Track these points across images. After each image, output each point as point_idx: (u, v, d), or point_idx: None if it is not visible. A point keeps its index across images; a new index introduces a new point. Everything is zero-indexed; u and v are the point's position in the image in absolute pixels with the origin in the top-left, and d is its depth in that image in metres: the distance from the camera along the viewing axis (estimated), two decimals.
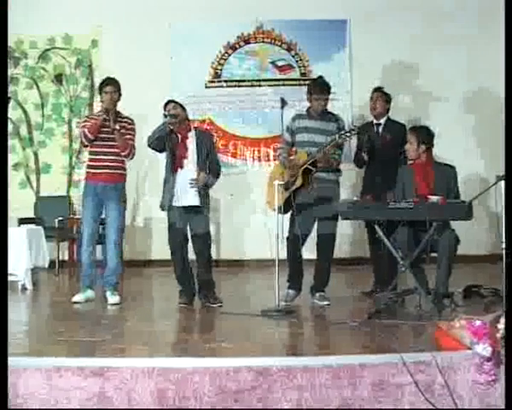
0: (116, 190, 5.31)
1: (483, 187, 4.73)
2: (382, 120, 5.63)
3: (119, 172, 5.32)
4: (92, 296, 5.35)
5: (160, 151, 5.10)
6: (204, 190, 5.06)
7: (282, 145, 5.35)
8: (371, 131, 5.58)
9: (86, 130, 5.18)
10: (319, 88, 5.17)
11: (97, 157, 5.27)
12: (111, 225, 5.30)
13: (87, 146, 5.30)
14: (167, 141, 5.02)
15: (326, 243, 5.14)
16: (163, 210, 5.12)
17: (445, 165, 4.95)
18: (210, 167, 5.11)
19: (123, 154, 5.25)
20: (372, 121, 5.70)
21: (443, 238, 4.58)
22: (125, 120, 5.31)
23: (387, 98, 5.67)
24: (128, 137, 5.27)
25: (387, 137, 5.52)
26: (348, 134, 4.88)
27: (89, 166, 5.36)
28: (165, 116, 5.01)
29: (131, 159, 5.37)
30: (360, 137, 5.55)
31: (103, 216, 5.41)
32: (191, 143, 5.08)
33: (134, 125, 5.35)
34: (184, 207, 5.02)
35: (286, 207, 4.93)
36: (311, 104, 5.19)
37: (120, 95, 5.32)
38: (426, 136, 4.86)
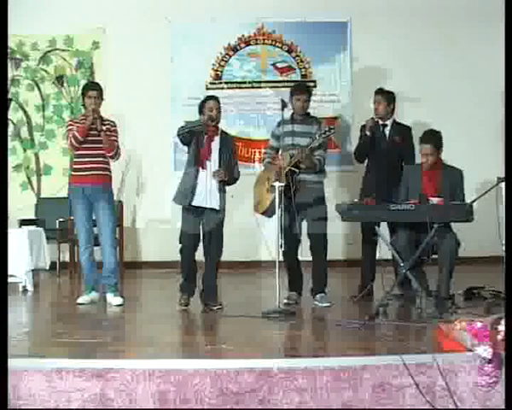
0: (105, 191, 5.32)
1: (482, 188, 4.73)
2: (388, 122, 5.53)
3: (105, 173, 5.34)
4: (96, 298, 5.37)
5: (185, 144, 5.05)
6: (223, 193, 5.05)
7: (267, 150, 5.44)
8: (376, 131, 5.48)
9: (76, 132, 5.19)
10: (299, 89, 5.28)
11: (84, 160, 5.27)
12: (105, 225, 5.29)
13: (77, 148, 5.26)
14: (195, 138, 4.98)
15: (318, 244, 5.13)
16: (175, 202, 5.09)
17: (452, 167, 4.96)
18: (229, 171, 5.06)
19: (109, 154, 5.28)
20: (377, 120, 5.55)
21: (444, 242, 4.58)
22: (108, 122, 5.33)
23: (390, 98, 5.54)
24: (113, 138, 5.30)
25: (396, 139, 5.43)
26: (324, 134, 4.89)
27: (75, 170, 5.35)
28: (204, 114, 5.00)
29: (117, 159, 5.40)
30: (362, 132, 5.52)
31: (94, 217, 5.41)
32: (216, 145, 5.06)
33: (117, 127, 5.39)
34: (201, 207, 5.00)
35: (272, 210, 5.01)
36: (294, 107, 5.22)
37: (102, 99, 5.34)
38: (441, 140, 4.88)
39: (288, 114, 5.20)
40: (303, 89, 5.32)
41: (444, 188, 4.76)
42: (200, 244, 5.10)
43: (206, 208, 5.01)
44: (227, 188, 5.13)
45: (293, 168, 4.99)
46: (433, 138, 4.86)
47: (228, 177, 5.01)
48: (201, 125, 4.95)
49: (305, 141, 5.06)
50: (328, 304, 5.02)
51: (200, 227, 5.05)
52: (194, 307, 5.09)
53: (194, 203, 4.98)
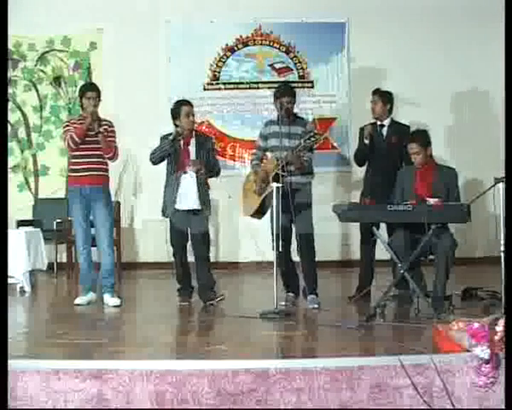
0: (102, 191, 5.33)
1: (471, 189, 4.74)
2: (386, 122, 5.51)
3: (103, 173, 5.35)
4: (94, 298, 5.37)
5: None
6: (205, 193, 5.17)
7: (255, 151, 5.42)
8: (374, 132, 5.46)
9: (73, 134, 5.18)
10: (280, 92, 5.18)
11: (81, 160, 5.26)
12: (102, 226, 5.30)
13: (74, 150, 5.25)
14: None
15: (305, 244, 5.10)
16: (164, 215, 5.20)
17: (446, 167, 4.95)
18: (209, 168, 5.20)
19: (108, 156, 5.29)
20: (375, 122, 5.54)
21: (441, 242, 4.58)
22: (105, 123, 5.32)
23: (387, 99, 5.52)
24: (111, 139, 5.30)
25: (393, 138, 5.42)
26: (309, 140, 4.79)
27: (72, 170, 5.35)
28: (180, 120, 5.14)
29: (115, 160, 5.41)
30: (361, 137, 5.52)
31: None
32: (192, 147, 5.19)
33: (114, 128, 5.39)
34: (186, 210, 5.12)
35: (260, 212, 5.07)
36: (277, 109, 5.16)
37: (100, 100, 5.33)
38: (427, 138, 4.86)
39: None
40: (284, 91, 5.17)
41: (438, 187, 4.75)
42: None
43: (189, 210, 5.12)
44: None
45: (279, 172, 4.88)
46: (417, 137, 4.85)
47: (204, 168, 5.11)
48: (172, 146, 5.10)
49: (292, 142, 5.02)
50: (316, 306, 4.97)
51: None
52: (191, 307, 5.10)
53: (178, 207, 5.10)
